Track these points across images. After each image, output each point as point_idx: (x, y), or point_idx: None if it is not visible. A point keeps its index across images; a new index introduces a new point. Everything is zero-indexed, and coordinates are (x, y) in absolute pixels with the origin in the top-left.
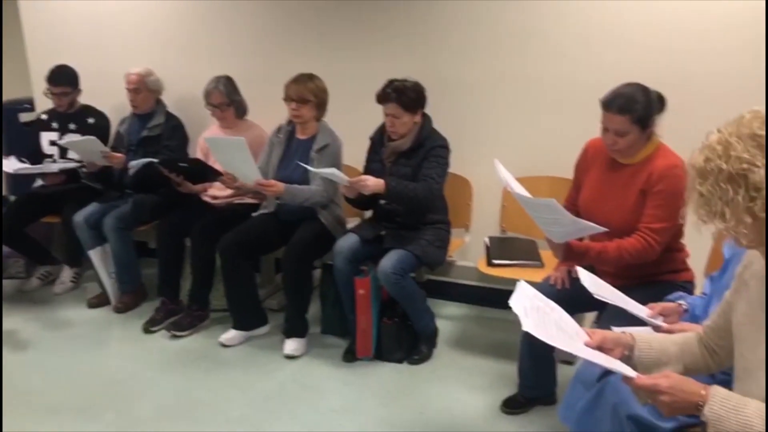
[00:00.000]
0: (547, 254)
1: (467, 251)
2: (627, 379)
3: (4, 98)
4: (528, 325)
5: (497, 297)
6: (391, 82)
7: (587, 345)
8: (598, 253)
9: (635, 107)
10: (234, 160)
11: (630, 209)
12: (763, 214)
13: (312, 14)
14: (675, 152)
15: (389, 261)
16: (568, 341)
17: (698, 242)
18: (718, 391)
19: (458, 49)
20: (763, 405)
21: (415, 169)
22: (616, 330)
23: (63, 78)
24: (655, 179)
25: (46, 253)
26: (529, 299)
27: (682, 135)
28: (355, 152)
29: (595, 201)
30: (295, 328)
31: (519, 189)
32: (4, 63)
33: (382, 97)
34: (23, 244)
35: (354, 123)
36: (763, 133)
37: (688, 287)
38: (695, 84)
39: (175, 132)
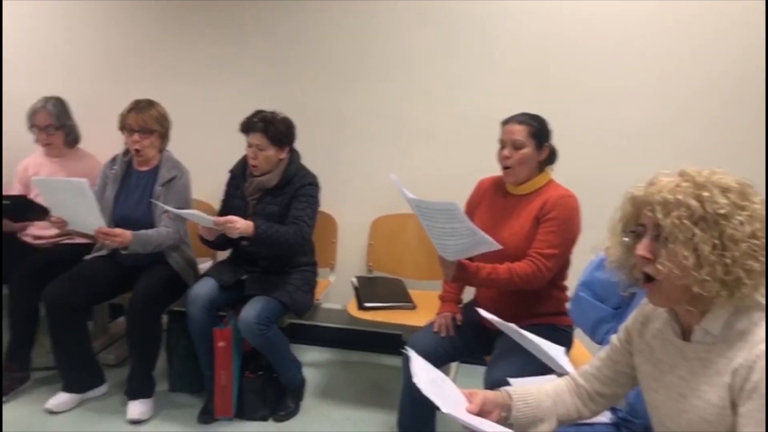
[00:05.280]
0: (417, 294)
1: (333, 292)
2: None
3: None
4: (438, 404)
5: (363, 339)
6: (258, 112)
7: (469, 410)
8: (489, 274)
9: (533, 123)
10: (71, 204)
11: (525, 236)
12: (736, 269)
13: (161, 34)
14: (566, 187)
15: (253, 310)
16: (454, 407)
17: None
18: None
19: (322, 80)
20: None
21: (282, 208)
22: (512, 382)
23: None
24: (549, 206)
25: None
26: (425, 372)
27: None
28: (203, 186)
29: (488, 230)
30: (140, 388)
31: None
32: None
33: (248, 126)
34: None
35: (202, 153)
36: (737, 186)
37: (569, 332)
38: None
39: None
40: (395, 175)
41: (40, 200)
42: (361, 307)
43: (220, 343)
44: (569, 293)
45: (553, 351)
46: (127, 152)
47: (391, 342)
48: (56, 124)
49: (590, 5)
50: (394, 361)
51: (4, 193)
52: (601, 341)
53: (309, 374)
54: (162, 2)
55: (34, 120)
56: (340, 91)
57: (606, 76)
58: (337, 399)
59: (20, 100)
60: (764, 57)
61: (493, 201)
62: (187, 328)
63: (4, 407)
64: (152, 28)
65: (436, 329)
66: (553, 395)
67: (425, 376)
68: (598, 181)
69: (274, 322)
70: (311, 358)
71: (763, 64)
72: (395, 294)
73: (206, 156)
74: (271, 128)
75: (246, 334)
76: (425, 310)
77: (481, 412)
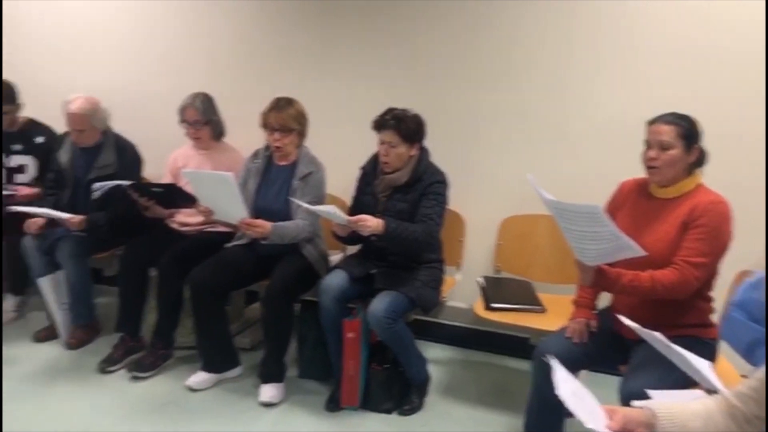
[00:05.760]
0: (546, 297)
1: (458, 291)
2: None
3: None
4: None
5: (487, 340)
6: (390, 110)
7: (610, 429)
8: (630, 281)
9: (682, 123)
10: (218, 196)
11: (670, 242)
12: None
13: (300, 34)
14: (716, 192)
15: (381, 303)
16: (595, 422)
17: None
18: None
19: (456, 79)
20: None
21: (412, 205)
22: (652, 394)
23: (4, 97)
24: (699, 212)
25: None
26: (567, 382)
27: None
28: (336, 181)
29: (630, 234)
30: (272, 372)
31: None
32: None
33: (380, 124)
34: None
35: (336, 149)
36: None
37: (713, 345)
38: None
39: (128, 170)
40: (532, 175)
41: (189, 189)
42: (488, 308)
43: (349, 334)
44: (715, 305)
45: (699, 364)
46: (268, 147)
47: (517, 344)
48: (203, 120)
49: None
50: (519, 364)
51: (157, 181)
52: (757, 363)
53: (433, 371)
54: (302, 2)
55: (183, 115)
56: (472, 90)
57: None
58: (461, 398)
59: (170, 96)
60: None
61: (636, 204)
62: (318, 318)
63: (151, 381)
64: (291, 28)
65: (568, 335)
66: (703, 415)
67: (568, 387)
68: (750, 187)
69: (401, 317)
70: (435, 356)
71: None
72: (523, 296)
73: (340, 152)
74: (402, 125)
75: (374, 326)
76: (555, 314)
77: (623, 431)
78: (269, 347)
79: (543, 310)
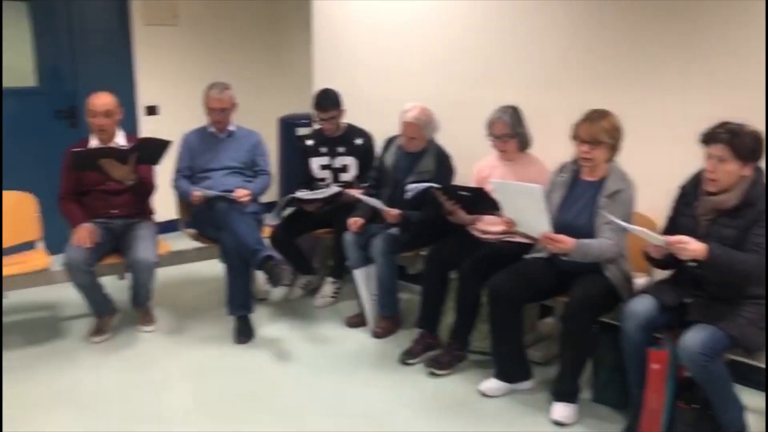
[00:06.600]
0: None
1: None
2: None
3: (288, 112)
4: None
5: None
6: (724, 123)
7: None
8: None
9: None
10: (522, 207)
11: None
12: None
13: (615, 43)
14: None
15: (696, 338)
16: None
17: None
18: None
19: None
20: None
21: (740, 232)
22: None
23: (331, 102)
24: None
25: (309, 263)
26: None
27: None
28: (646, 200)
29: None
30: (566, 391)
31: None
32: (292, 80)
33: (710, 137)
34: (291, 254)
35: (647, 166)
36: None
37: None
38: None
39: (442, 179)
40: None
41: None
42: None
43: (655, 365)
44: None
45: None
46: (575, 161)
47: None
48: (511, 133)
49: None
50: None
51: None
52: None
53: (751, 422)
54: (617, 3)
55: (492, 129)
56: None
57: None
58: None
59: (478, 107)
60: None
61: None
62: (618, 342)
63: (446, 379)
64: (606, 35)
65: None
66: None
67: None
68: None
69: (718, 356)
70: (755, 404)
71: None
72: None
73: (653, 169)
74: (736, 140)
75: (686, 362)
76: None
77: None
78: (564, 365)
79: None
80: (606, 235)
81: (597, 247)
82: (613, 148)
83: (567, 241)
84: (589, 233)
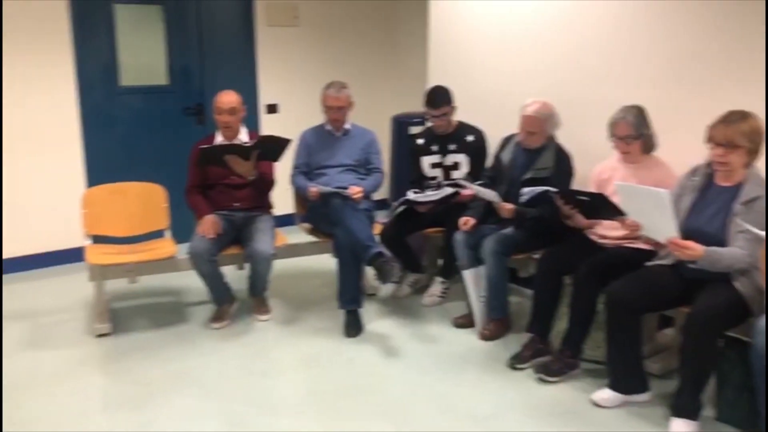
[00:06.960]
0: None
1: None
2: None
3: (401, 111)
4: None
5: None
6: None
7: None
8: None
9: None
10: (648, 211)
11: None
12: None
13: (752, 43)
14: None
15: None
16: None
17: None
18: None
19: None
20: None
21: None
22: None
23: (443, 99)
24: None
25: (418, 262)
26: None
27: None
28: None
29: None
30: (686, 407)
31: None
32: (407, 80)
33: None
34: (401, 252)
35: None
36: None
37: None
38: None
39: (561, 179)
40: None
41: (616, 201)
42: None
43: None
44: None
45: None
46: (710, 164)
47: None
48: (634, 134)
49: None
50: None
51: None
52: None
53: None
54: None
55: (614, 130)
56: None
57: None
58: None
59: (600, 106)
60: None
61: None
62: (746, 358)
63: (556, 386)
64: (736, 30)
65: None
66: None
67: None
68: None
69: None
70: None
71: None
72: None
73: None
74: None
75: None
76: None
77: None
78: (685, 379)
79: None
80: (739, 244)
81: (728, 257)
82: (753, 152)
83: (695, 248)
84: (720, 241)
